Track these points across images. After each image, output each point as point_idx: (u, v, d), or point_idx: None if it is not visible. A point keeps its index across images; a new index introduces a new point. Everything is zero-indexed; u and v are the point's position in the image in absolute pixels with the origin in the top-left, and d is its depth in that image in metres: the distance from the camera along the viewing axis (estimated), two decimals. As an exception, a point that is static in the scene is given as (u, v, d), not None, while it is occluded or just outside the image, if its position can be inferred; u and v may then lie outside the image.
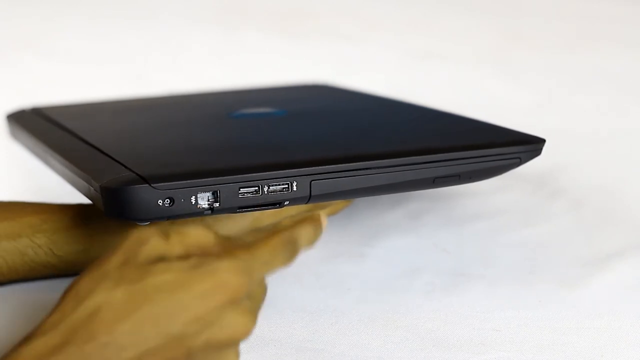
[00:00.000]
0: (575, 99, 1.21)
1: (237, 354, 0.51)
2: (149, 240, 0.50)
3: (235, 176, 0.60)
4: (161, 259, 0.50)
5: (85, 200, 0.69)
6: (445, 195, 0.87)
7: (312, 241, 0.54)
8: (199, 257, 0.50)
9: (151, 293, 0.48)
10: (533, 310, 0.66)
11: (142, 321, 0.48)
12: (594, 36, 1.48)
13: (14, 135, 0.84)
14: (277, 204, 0.61)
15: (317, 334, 0.63)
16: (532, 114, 1.13)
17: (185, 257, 0.50)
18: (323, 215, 0.55)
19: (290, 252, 0.53)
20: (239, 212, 0.60)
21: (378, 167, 0.63)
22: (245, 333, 0.50)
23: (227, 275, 0.50)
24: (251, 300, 0.52)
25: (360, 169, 0.63)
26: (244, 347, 0.61)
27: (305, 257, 0.75)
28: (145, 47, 1.37)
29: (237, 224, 0.71)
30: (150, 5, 1.56)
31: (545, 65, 1.35)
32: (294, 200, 0.62)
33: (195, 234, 0.52)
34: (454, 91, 1.22)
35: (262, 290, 0.54)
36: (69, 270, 0.69)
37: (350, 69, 1.31)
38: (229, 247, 0.52)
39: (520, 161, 0.68)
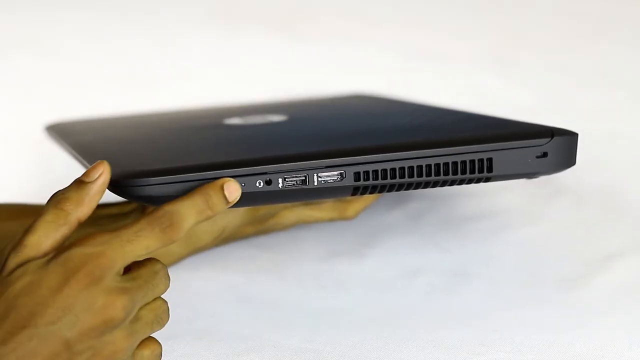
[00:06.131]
0: (575, 99, 1.21)
1: (125, 337, 0.51)
2: (5, 256, 0.51)
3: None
4: (19, 266, 0.51)
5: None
6: (445, 195, 0.86)
7: (204, 214, 0.53)
8: (54, 252, 0.51)
9: (13, 300, 0.49)
10: (533, 310, 0.66)
11: (12, 328, 0.49)
12: (594, 36, 1.48)
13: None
14: None
15: (317, 334, 0.63)
16: (532, 114, 1.13)
17: (42, 256, 0.51)
18: (230, 182, 0.54)
19: (164, 228, 0.52)
20: None
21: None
22: (119, 310, 0.50)
23: (78, 259, 0.50)
24: (121, 279, 0.51)
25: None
26: (242, 348, 0.61)
27: (305, 257, 0.75)
28: (145, 47, 1.37)
29: (232, 213, 0.71)
30: (151, 5, 1.56)
31: (545, 65, 1.35)
32: None
33: (45, 235, 0.52)
34: (455, 91, 1.22)
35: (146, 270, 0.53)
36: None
37: (350, 69, 1.31)
38: (89, 235, 0.51)
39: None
